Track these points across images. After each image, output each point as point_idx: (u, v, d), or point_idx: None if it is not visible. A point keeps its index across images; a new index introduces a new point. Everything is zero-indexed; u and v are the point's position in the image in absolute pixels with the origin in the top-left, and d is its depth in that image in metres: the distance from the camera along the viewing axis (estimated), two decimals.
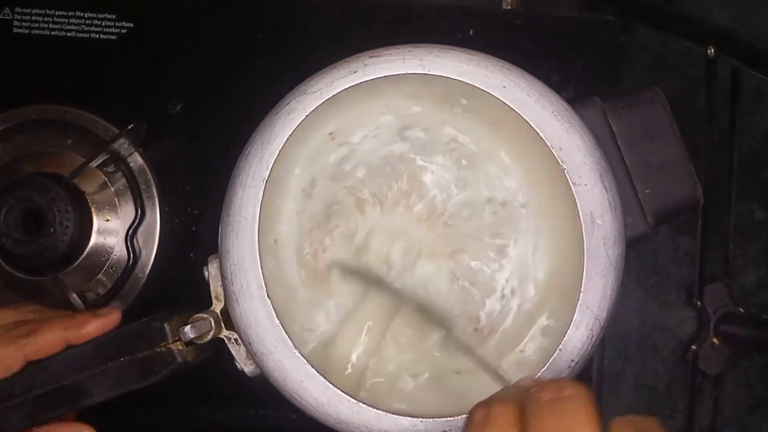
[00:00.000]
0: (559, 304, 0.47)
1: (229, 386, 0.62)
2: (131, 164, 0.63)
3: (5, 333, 0.47)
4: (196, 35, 0.66)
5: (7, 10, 0.65)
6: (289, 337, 0.46)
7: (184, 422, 0.63)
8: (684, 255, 0.70)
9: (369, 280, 0.48)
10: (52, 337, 0.47)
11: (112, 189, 0.63)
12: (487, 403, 0.34)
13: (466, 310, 0.48)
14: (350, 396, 0.45)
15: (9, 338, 0.47)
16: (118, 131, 0.62)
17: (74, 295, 0.59)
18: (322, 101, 0.47)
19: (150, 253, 0.63)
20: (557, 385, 0.33)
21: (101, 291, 0.62)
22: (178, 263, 0.64)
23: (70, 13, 0.65)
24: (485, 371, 0.47)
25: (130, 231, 0.62)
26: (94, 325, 0.48)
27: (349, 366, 0.47)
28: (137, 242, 0.63)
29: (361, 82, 0.47)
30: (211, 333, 0.49)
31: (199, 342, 0.49)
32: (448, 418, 0.45)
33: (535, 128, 0.46)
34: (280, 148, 0.46)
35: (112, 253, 0.62)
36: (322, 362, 0.46)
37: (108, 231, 0.62)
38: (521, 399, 0.33)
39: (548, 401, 0.32)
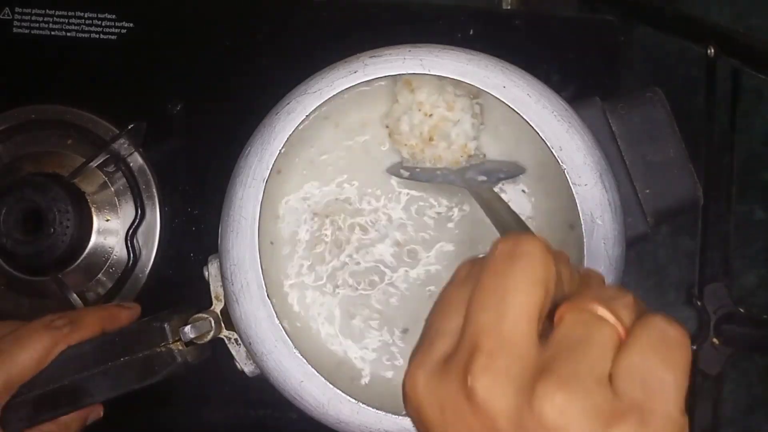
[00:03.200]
0: None
1: (229, 386, 0.62)
2: (131, 164, 0.63)
3: (49, 324, 0.49)
4: (196, 35, 0.66)
5: (7, 10, 0.65)
6: (289, 337, 0.46)
7: (184, 422, 0.63)
8: (684, 255, 0.70)
9: None
10: (92, 324, 0.50)
11: (112, 189, 0.63)
12: (473, 260, 0.32)
13: None
14: (350, 396, 0.45)
15: (54, 329, 0.49)
16: (118, 131, 0.62)
17: (74, 295, 0.59)
18: (322, 101, 0.47)
19: (150, 253, 0.63)
20: (515, 239, 0.29)
21: (101, 291, 0.62)
22: (178, 263, 0.63)
23: (70, 13, 0.65)
24: None
25: (130, 231, 0.62)
26: (126, 315, 0.52)
27: None
28: (137, 242, 0.63)
29: (361, 82, 0.47)
30: (211, 333, 0.49)
31: (199, 342, 0.49)
32: None
33: (535, 128, 0.46)
34: (280, 148, 0.46)
35: (112, 253, 0.62)
36: None
37: (108, 231, 0.62)
38: None
39: (498, 257, 0.29)
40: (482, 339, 0.27)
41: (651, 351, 0.27)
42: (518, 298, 0.28)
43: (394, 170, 0.49)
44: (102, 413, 0.52)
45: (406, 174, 0.48)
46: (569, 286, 0.31)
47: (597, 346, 0.27)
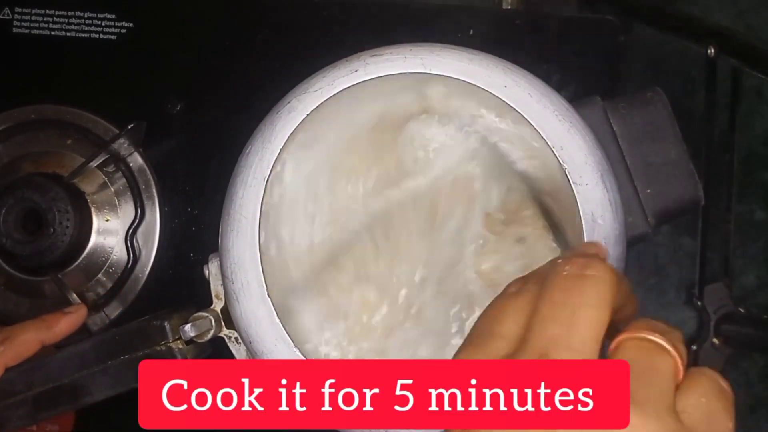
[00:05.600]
0: None
1: None
2: (131, 164, 0.63)
3: None
4: (196, 35, 0.66)
5: (7, 10, 0.65)
6: (289, 336, 0.46)
7: None
8: (684, 255, 0.70)
9: None
10: (27, 340, 0.49)
11: (112, 189, 0.63)
12: (525, 277, 0.32)
13: None
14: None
15: None
16: (118, 131, 0.62)
17: (74, 295, 0.59)
18: (323, 100, 0.46)
19: (150, 253, 0.63)
20: (583, 261, 0.30)
21: (101, 291, 0.62)
22: (178, 263, 0.63)
23: (70, 13, 0.65)
24: None
25: (130, 231, 0.62)
26: (65, 322, 0.50)
27: None
28: (137, 242, 0.63)
29: (362, 81, 0.47)
30: (212, 332, 0.49)
31: (199, 341, 0.49)
32: None
33: (537, 128, 0.46)
34: (281, 147, 0.46)
35: (112, 253, 0.62)
36: None
37: (108, 231, 0.62)
38: None
39: (567, 276, 0.30)
40: (551, 349, 0.27)
41: (715, 398, 0.28)
42: (589, 313, 0.28)
43: None
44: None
45: None
46: (623, 312, 0.31)
47: (663, 375, 0.28)
